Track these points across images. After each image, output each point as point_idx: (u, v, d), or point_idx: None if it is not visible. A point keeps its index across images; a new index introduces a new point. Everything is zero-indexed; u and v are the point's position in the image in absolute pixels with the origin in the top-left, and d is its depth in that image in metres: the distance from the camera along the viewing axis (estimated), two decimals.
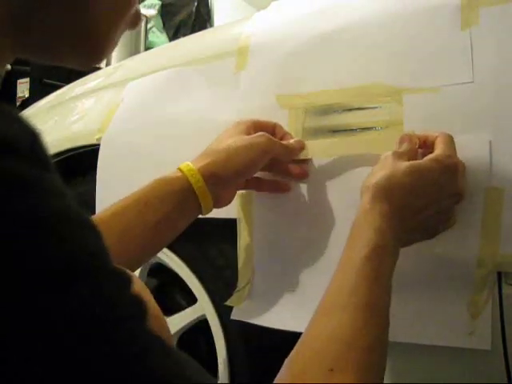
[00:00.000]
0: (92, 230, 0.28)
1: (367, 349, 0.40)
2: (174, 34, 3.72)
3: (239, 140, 0.61)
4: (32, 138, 0.26)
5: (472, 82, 0.56)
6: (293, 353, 0.41)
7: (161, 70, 0.86)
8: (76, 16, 0.34)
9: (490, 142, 0.55)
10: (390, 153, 0.54)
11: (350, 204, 0.59)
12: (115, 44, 0.38)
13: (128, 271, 0.29)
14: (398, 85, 0.61)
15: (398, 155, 0.53)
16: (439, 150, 0.53)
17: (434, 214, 0.53)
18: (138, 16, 0.39)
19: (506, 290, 0.54)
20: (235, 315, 0.70)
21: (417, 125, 0.59)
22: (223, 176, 0.60)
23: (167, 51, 1.04)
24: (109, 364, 0.25)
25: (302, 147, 0.65)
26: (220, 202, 0.63)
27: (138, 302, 0.29)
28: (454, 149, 0.54)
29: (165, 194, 0.58)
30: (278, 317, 0.66)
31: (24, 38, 0.33)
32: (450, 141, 0.54)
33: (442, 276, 0.57)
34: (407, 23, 0.62)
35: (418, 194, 0.51)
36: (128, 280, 0.29)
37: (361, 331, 0.41)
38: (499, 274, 0.54)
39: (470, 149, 0.55)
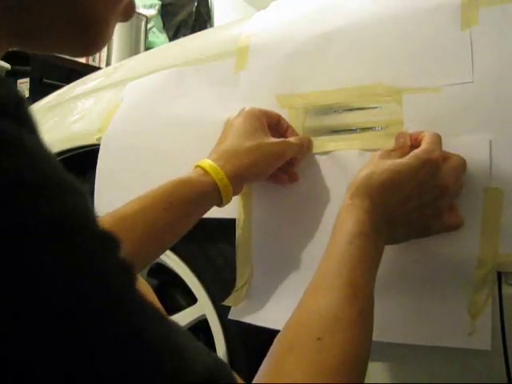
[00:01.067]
0: (77, 193, 0.27)
1: (353, 321, 0.42)
2: (174, 34, 3.71)
3: (263, 145, 0.64)
4: (18, 100, 0.26)
5: (472, 82, 0.56)
6: (282, 330, 0.43)
7: (161, 70, 0.86)
8: (73, 4, 0.33)
9: (490, 142, 0.55)
10: (378, 152, 0.57)
11: None
12: (111, 34, 0.37)
13: (117, 236, 0.28)
14: (398, 85, 0.61)
15: (387, 153, 0.56)
16: (421, 146, 0.55)
17: (416, 208, 0.54)
18: (131, 6, 0.39)
19: (506, 289, 0.54)
20: (233, 315, 0.70)
21: (417, 125, 0.59)
22: (247, 178, 0.65)
23: (167, 51, 1.04)
24: (94, 352, 0.24)
25: (309, 144, 0.68)
26: (234, 194, 0.65)
27: (126, 268, 0.28)
28: (438, 144, 0.56)
29: (190, 195, 0.60)
30: (276, 317, 0.66)
31: (20, 28, 0.33)
32: (434, 137, 0.56)
33: (442, 276, 0.57)
34: (407, 23, 0.62)
35: (397, 190, 0.53)
36: (116, 244, 0.28)
37: (346, 306, 0.43)
38: (499, 274, 0.54)
39: (470, 149, 0.55)
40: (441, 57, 0.59)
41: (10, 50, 0.35)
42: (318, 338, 0.40)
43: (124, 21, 0.39)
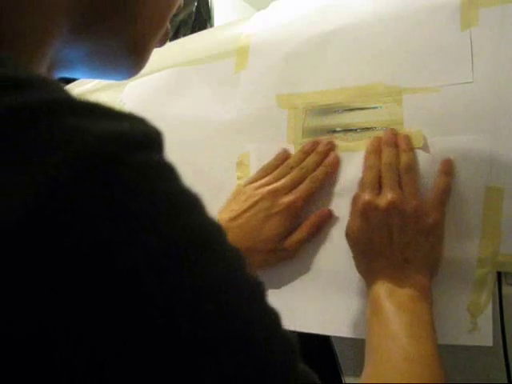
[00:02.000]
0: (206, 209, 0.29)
1: None
2: (174, 34, 3.71)
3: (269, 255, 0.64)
4: (159, 135, 0.30)
5: (472, 82, 0.56)
6: None
7: (161, 70, 0.86)
8: (125, 31, 0.35)
9: (490, 142, 0.55)
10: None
11: (348, 202, 0.59)
12: (149, 59, 0.39)
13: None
14: (398, 85, 0.61)
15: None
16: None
17: (400, 247, 0.55)
18: (167, 33, 0.41)
19: (506, 290, 0.54)
20: None
21: (417, 125, 0.59)
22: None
23: (167, 51, 1.04)
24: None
25: None
26: None
27: (258, 282, 0.29)
28: (369, 186, 0.58)
29: None
30: None
31: (72, 55, 0.34)
32: (364, 180, 0.59)
33: (442, 276, 0.57)
34: (407, 23, 0.62)
35: (367, 242, 0.57)
36: (245, 259, 0.29)
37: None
38: (499, 274, 0.54)
39: (470, 149, 0.55)
40: (441, 57, 0.59)
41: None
42: None
43: (159, 46, 0.41)
